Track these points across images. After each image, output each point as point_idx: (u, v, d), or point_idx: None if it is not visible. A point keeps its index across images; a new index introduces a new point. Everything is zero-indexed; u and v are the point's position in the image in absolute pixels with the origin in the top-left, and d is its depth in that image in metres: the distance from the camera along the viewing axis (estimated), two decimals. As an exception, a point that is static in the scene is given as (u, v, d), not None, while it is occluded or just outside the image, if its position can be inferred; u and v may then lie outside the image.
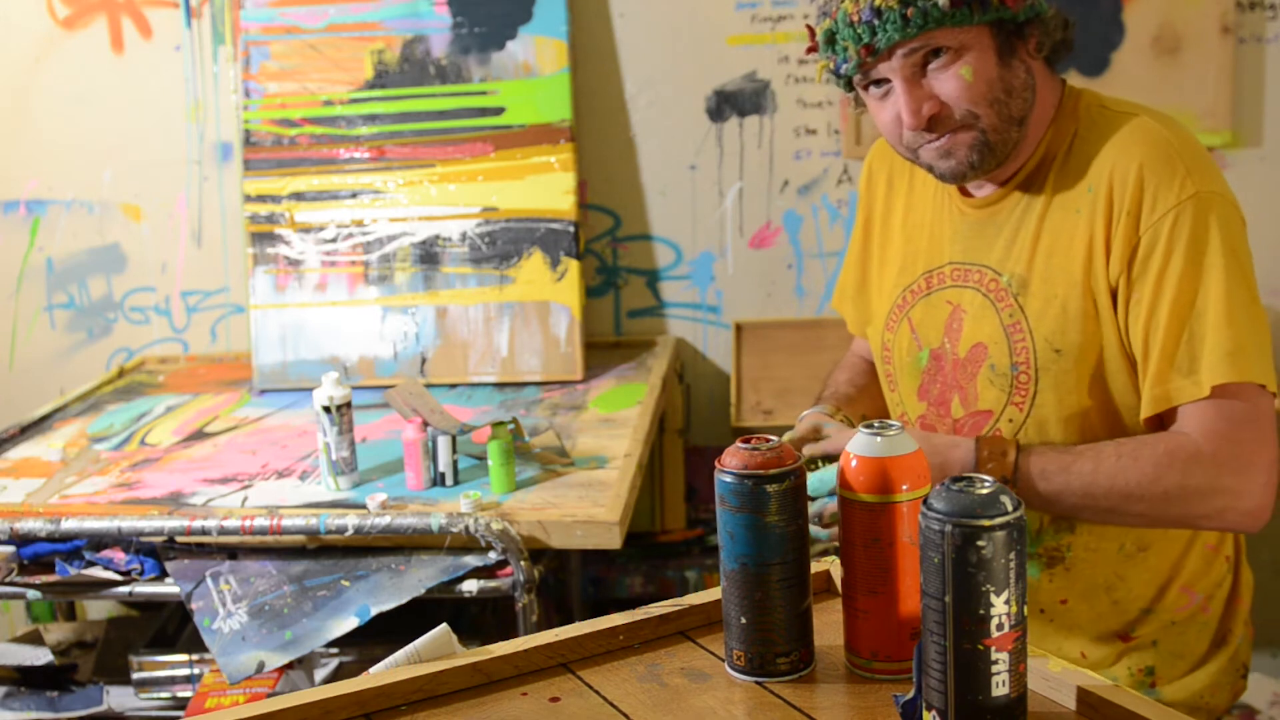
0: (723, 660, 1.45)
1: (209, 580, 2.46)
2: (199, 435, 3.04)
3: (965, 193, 2.00)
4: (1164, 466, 1.81)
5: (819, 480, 1.83)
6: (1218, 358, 1.79)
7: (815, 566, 1.53)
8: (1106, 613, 1.97)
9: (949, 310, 2.01)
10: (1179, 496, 1.81)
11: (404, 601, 2.37)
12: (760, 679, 1.41)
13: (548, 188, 3.31)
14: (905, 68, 1.83)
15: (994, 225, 1.96)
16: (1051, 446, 1.88)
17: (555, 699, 1.40)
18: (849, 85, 1.93)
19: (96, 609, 3.52)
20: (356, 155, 3.36)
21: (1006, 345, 1.93)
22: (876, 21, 1.80)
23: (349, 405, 2.62)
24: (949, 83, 1.83)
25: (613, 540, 2.42)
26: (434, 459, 2.61)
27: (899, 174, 2.13)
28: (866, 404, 2.20)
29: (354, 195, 3.35)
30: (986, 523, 1.18)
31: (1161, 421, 1.87)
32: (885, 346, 2.12)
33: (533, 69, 3.34)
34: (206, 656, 2.70)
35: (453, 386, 3.28)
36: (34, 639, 3.02)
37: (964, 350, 1.98)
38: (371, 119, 3.37)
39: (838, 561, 1.46)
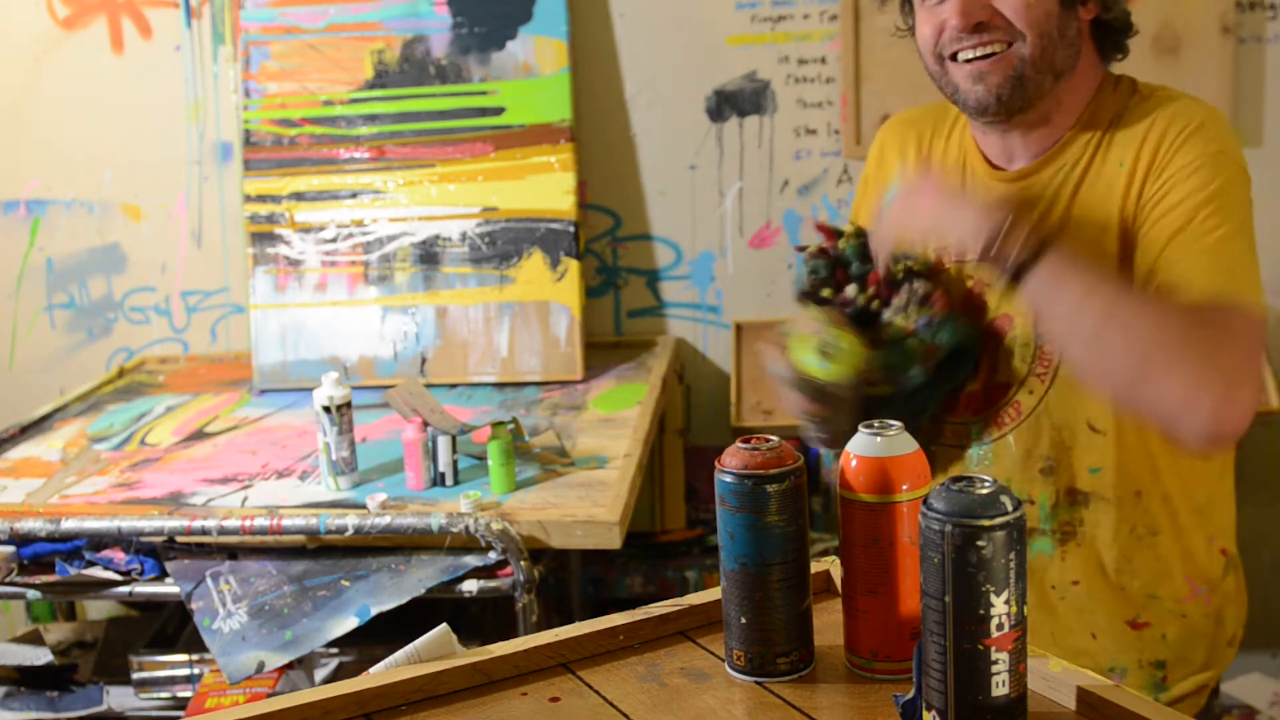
0: (723, 660, 1.44)
1: (209, 580, 2.47)
2: (199, 435, 3.04)
3: (995, 166, 1.98)
4: (1171, 320, 1.69)
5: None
6: (1228, 274, 1.75)
7: (815, 566, 1.53)
8: (1115, 597, 1.97)
9: (967, 285, 1.98)
10: (1167, 356, 1.67)
11: (404, 601, 2.38)
12: (760, 679, 1.40)
13: (548, 188, 3.31)
14: None
15: (1027, 200, 1.93)
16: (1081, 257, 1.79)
17: (555, 699, 1.39)
18: None
19: (96, 609, 3.52)
20: (356, 155, 3.37)
21: (1032, 317, 1.90)
22: None
23: (349, 405, 2.63)
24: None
25: (613, 540, 2.43)
26: (434, 459, 2.62)
27: (914, 150, 2.10)
28: None
29: (354, 195, 3.36)
30: (986, 523, 1.18)
31: None
32: None
33: (533, 69, 3.34)
34: (206, 656, 2.70)
35: (453, 386, 3.28)
36: (34, 639, 3.03)
37: (999, 321, 1.95)
38: (371, 119, 3.37)
39: (838, 561, 1.46)
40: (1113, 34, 1.93)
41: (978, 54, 1.86)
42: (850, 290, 1.92)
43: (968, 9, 1.84)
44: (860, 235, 1.94)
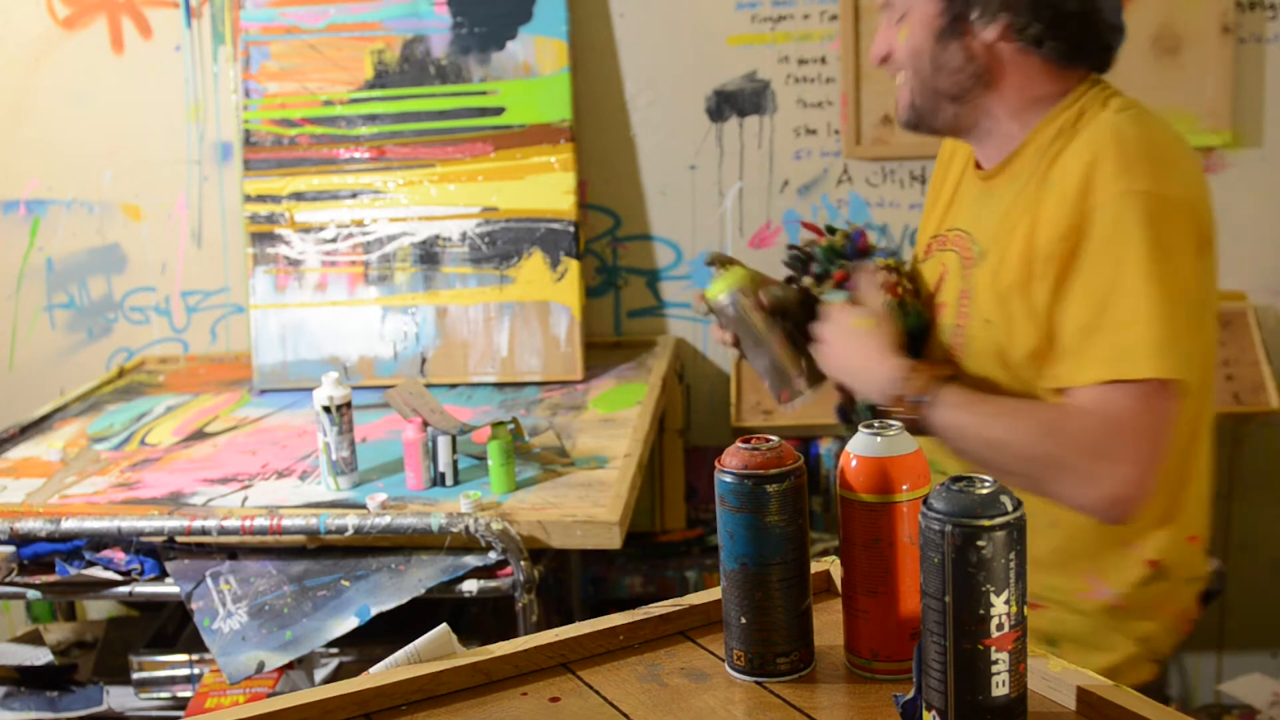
0: (723, 660, 1.44)
1: (209, 580, 2.47)
2: (199, 435, 3.05)
3: (978, 164, 2.12)
4: (1041, 432, 1.91)
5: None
6: (1116, 350, 1.86)
7: (815, 566, 1.53)
8: None
9: (941, 269, 2.13)
10: (1045, 463, 1.89)
11: (404, 601, 2.38)
12: (760, 679, 1.40)
13: (548, 188, 3.31)
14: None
15: (989, 198, 2.07)
16: (966, 385, 2.00)
17: (555, 699, 1.39)
18: None
19: (96, 609, 3.53)
20: (356, 155, 3.37)
21: (956, 309, 2.07)
22: None
23: (349, 405, 2.63)
24: (893, 38, 2.07)
25: (612, 540, 2.43)
26: (434, 459, 2.62)
27: (950, 151, 2.26)
28: None
29: (354, 195, 3.36)
30: (986, 523, 1.18)
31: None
32: None
33: (533, 69, 3.34)
34: (206, 656, 2.71)
35: (453, 386, 3.28)
36: (34, 639, 3.04)
37: (937, 305, 2.14)
38: (371, 119, 3.38)
39: (838, 561, 1.46)
40: (1064, 44, 1.99)
41: (896, 82, 2.11)
42: (806, 281, 2.21)
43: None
44: (839, 239, 2.24)
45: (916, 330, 2.13)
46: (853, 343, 2.08)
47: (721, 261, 2.21)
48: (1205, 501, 2.13)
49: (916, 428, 1.97)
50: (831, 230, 2.26)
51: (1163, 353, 1.85)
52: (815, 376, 2.14)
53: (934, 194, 2.28)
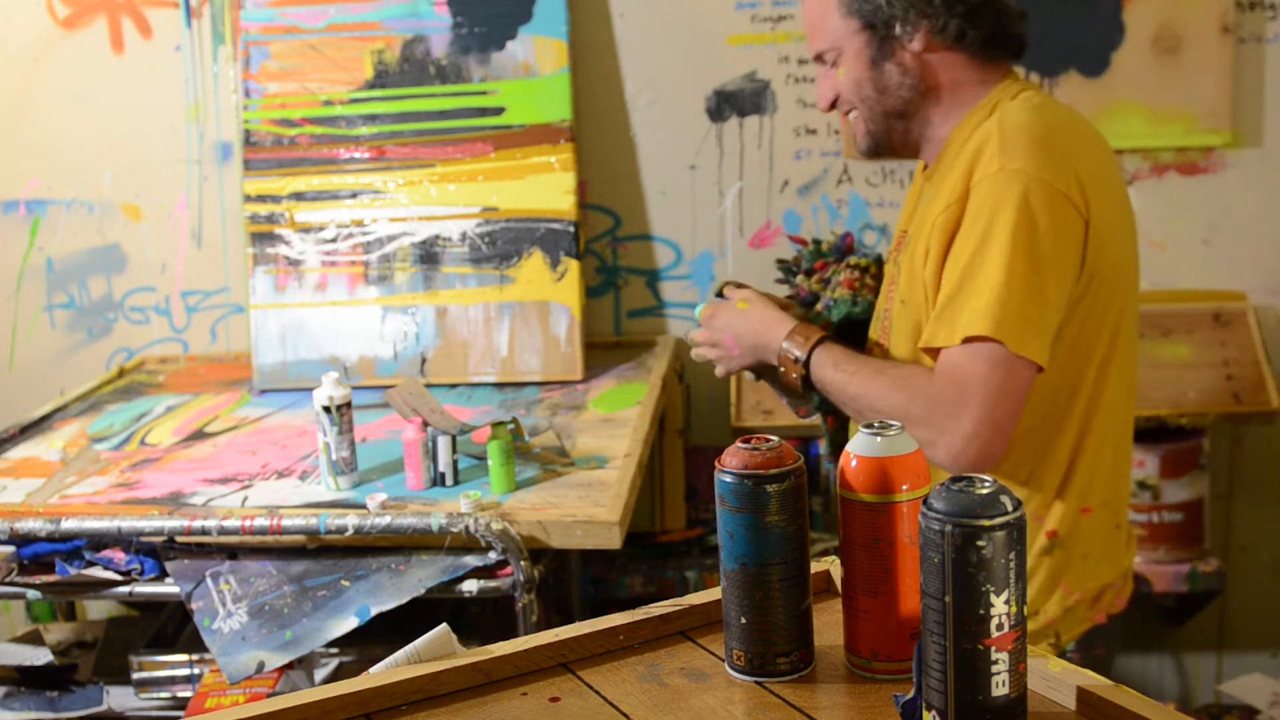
0: (723, 660, 1.45)
1: (209, 580, 2.47)
2: (199, 435, 3.05)
3: (926, 166, 2.32)
4: (896, 387, 2.12)
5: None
6: (971, 314, 2.03)
7: (815, 566, 1.54)
8: None
9: (895, 269, 2.30)
10: (895, 416, 2.03)
11: (404, 601, 2.39)
12: (760, 679, 1.40)
13: (548, 188, 3.32)
14: (818, 66, 2.31)
15: (925, 195, 2.26)
16: (846, 348, 2.24)
17: (555, 699, 1.40)
18: None
19: (96, 609, 3.53)
20: (356, 155, 3.38)
21: (886, 293, 2.30)
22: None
23: (349, 405, 2.63)
24: (834, 81, 2.27)
25: (613, 540, 2.43)
26: (434, 459, 2.62)
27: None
28: None
29: (354, 195, 3.37)
30: (986, 523, 1.18)
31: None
32: None
33: (533, 69, 3.35)
34: (206, 656, 2.71)
35: (453, 386, 3.29)
36: (34, 639, 3.03)
37: (884, 297, 2.33)
38: (371, 119, 3.38)
39: (838, 561, 1.47)
40: (983, 32, 2.18)
41: (849, 117, 2.31)
42: (798, 279, 2.48)
43: (820, 98, 2.32)
44: (824, 246, 2.48)
45: (862, 320, 2.37)
46: (743, 321, 2.34)
47: (734, 289, 2.43)
48: (1108, 476, 2.25)
49: (809, 386, 2.25)
50: (817, 242, 2.50)
51: (1007, 319, 2.02)
52: None
53: (909, 194, 2.46)
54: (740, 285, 2.42)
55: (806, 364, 2.22)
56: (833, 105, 2.29)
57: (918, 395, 2.08)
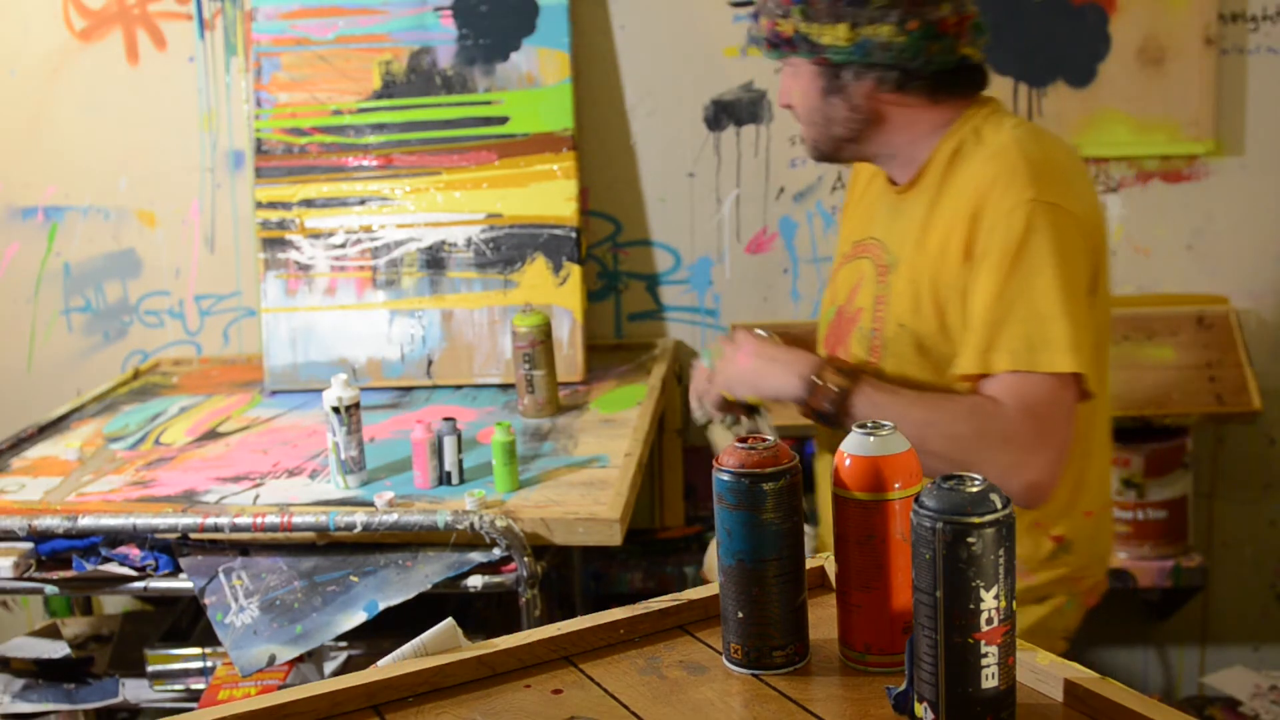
0: (720, 653, 1.46)
1: (221, 576, 2.48)
2: (212, 435, 3.05)
3: (892, 180, 2.30)
4: (968, 415, 2.04)
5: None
6: (1026, 342, 2.01)
7: (810, 562, 1.54)
8: None
9: (859, 276, 2.28)
10: (971, 445, 2.00)
11: (411, 596, 2.39)
12: (757, 672, 1.42)
13: (550, 195, 3.33)
14: (784, 67, 2.30)
15: (901, 212, 2.25)
16: (886, 378, 2.17)
17: (558, 691, 1.41)
18: None
19: (112, 604, 3.51)
20: (365, 163, 3.38)
21: (873, 313, 2.24)
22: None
23: (357, 406, 2.64)
24: (792, 89, 2.27)
25: (613, 537, 2.44)
26: (440, 458, 2.63)
27: (867, 174, 2.42)
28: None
29: (362, 202, 3.37)
30: (976, 520, 1.20)
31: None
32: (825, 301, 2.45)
33: (536, 79, 3.36)
34: (219, 650, 2.68)
35: (458, 388, 3.29)
36: (52, 633, 3.03)
37: (851, 310, 2.31)
38: (379, 128, 3.39)
39: (832, 558, 1.47)
40: (926, 85, 2.19)
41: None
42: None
43: (780, 96, 2.32)
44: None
45: None
46: (764, 348, 2.25)
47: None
48: (1104, 480, 2.31)
49: (830, 417, 2.14)
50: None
51: (1072, 348, 2.00)
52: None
53: (852, 203, 2.45)
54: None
55: (849, 389, 2.11)
56: (789, 107, 2.31)
57: (993, 427, 2.02)
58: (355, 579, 2.45)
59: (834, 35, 2.15)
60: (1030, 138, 2.15)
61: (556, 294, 3.31)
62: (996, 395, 2.04)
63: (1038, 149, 2.12)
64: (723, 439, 2.35)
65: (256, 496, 2.67)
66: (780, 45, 2.23)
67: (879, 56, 2.14)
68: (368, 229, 3.37)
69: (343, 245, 3.37)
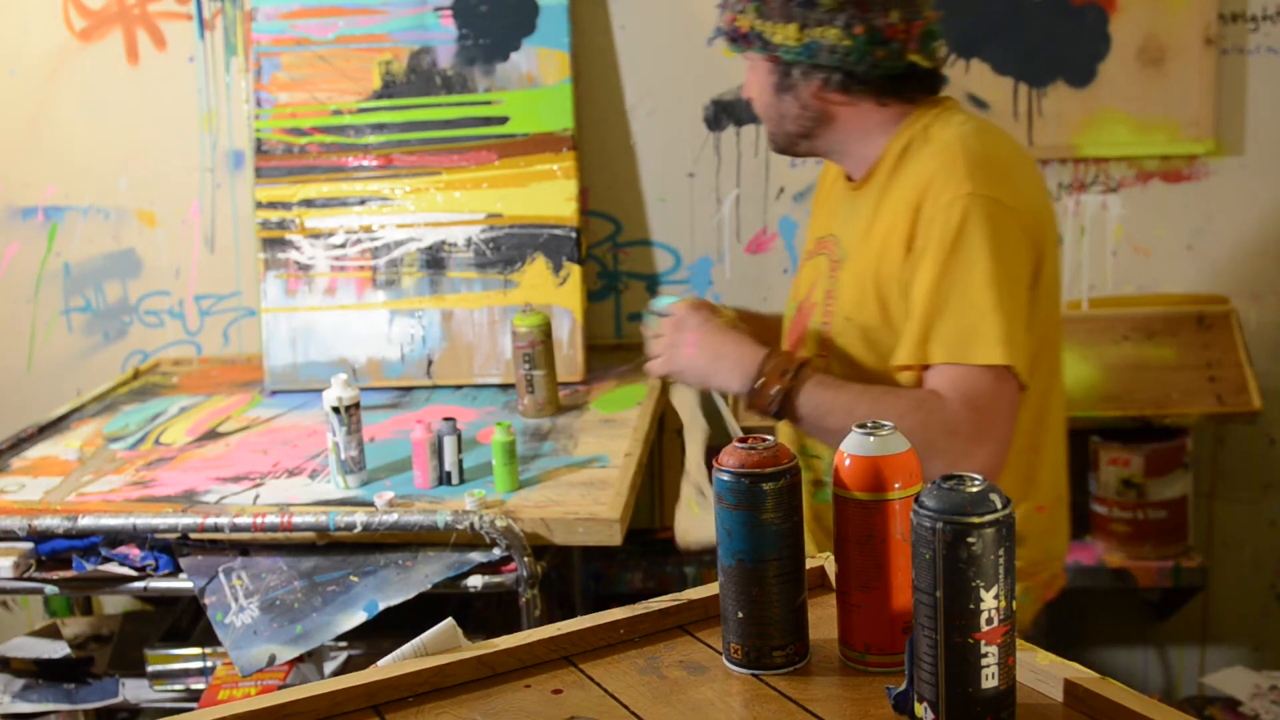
0: (720, 653, 1.46)
1: (221, 576, 2.49)
2: (212, 435, 3.06)
3: (849, 177, 2.35)
4: (912, 408, 2.06)
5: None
6: (961, 335, 2.05)
7: (810, 563, 1.55)
8: None
9: (817, 272, 2.33)
10: (917, 439, 1.99)
11: (411, 596, 2.40)
12: (757, 672, 1.42)
13: (550, 195, 3.33)
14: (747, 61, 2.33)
15: (855, 207, 2.30)
16: (830, 374, 2.20)
17: (558, 691, 1.42)
18: None
19: (112, 604, 3.52)
20: (365, 163, 3.39)
21: (824, 307, 2.30)
22: None
23: (357, 406, 2.64)
24: (751, 83, 2.33)
25: (613, 537, 2.45)
26: (440, 458, 2.63)
27: (834, 171, 2.46)
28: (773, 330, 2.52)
29: (362, 202, 3.38)
30: (976, 520, 1.20)
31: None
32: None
33: (536, 79, 3.36)
34: (219, 650, 2.68)
35: (458, 388, 3.30)
36: (52, 633, 3.04)
37: (809, 305, 2.36)
38: (379, 128, 3.39)
39: (832, 558, 1.48)
40: (873, 89, 2.23)
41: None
42: None
43: (745, 83, 2.36)
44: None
45: None
46: (710, 341, 2.26)
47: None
48: (1057, 474, 2.34)
49: (779, 410, 2.17)
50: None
51: (1003, 341, 2.04)
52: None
53: (819, 200, 2.49)
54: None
55: (793, 389, 2.15)
56: (749, 99, 2.37)
57: (937, 419, 2.06)
58: (355, 579, 2.45)
59: (785, 34, 2.20)
60: (975, 134, 2.19)
61: (556, 294, 3.31)
62: (938, 389, 2.09)
63: (979, 144, 2.17)
64: (684, 401, 2.39)
65: (256, 496, 2.67)
66: (738, 39, 2.28)
67: (825, 58, 2.20)
68: (368, 229, 3.37)
69: (343, 245, 3.37)
